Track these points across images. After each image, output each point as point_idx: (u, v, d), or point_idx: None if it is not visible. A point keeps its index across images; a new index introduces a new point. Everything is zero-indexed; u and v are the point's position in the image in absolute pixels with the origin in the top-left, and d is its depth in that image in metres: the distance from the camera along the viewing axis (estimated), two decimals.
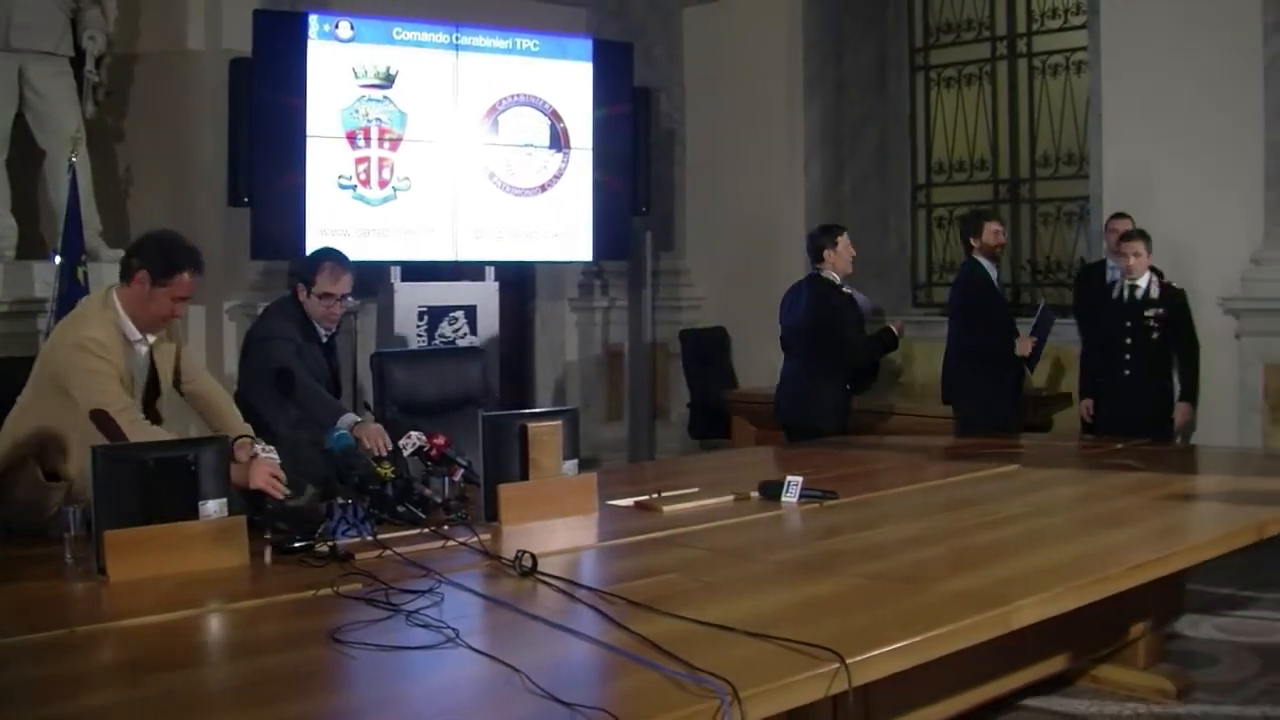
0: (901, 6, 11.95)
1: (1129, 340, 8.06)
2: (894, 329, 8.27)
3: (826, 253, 8.17)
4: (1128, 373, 8.08)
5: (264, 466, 4.73)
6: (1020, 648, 4.74)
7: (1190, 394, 8.29)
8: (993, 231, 8.36)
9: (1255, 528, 5.21)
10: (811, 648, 3.21)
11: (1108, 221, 8.98)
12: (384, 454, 5.32)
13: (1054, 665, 5.44)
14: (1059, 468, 6.59)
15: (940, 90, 11.86)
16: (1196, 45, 9.07)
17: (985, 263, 8.34)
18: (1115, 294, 8.18)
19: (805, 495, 5.37)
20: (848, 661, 3.16)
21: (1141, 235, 8.09)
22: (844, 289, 8.19)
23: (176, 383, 5.28)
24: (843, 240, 8.24)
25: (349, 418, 5.70)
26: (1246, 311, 8.57)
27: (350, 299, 6.38)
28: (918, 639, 3.47)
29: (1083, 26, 10.32)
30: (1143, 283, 8.09)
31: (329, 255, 6.31)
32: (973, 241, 8.40)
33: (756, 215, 11.61)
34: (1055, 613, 4.08)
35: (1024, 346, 8.21)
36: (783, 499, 5.36)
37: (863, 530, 4.96)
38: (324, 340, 6.27)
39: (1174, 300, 8.19)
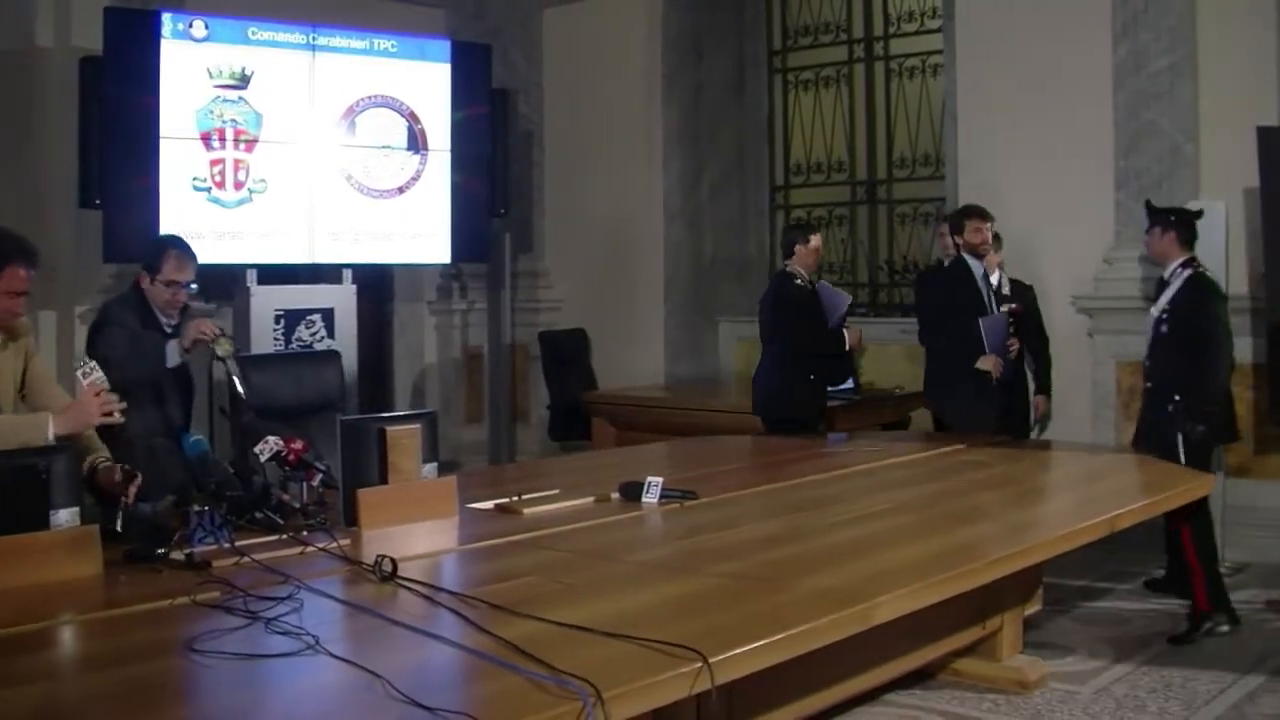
0: (759, 9, 12.02)
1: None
2: (847, 335, 8.38)
3: (798, 248, 8.32)
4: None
5: (90, 394, 4.65)
6: (881, 643, 4.79)
7: (1046, 386, 8.62)
8: (974, 229, 8.18)
9: (1107, 522, 5.33)
10: (673, 647, 3.22)
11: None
12: (215, 336, 5.61)
13: (914, 660, 5.51)
14: (916, 466, 6.67)
15: (798, 92, 11.95)
16: (1049, 49, 9.23)
17: (970, 260, 8.18)
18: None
19: (665, 495, 5.38)
20: (710, 660, 3.18)
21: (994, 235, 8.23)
22: (805, 283, 8.28)
23: (22, 393, 5.12)
24: (815, 239, 8.40)
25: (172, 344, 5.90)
26: (1099, 310, 8.73)
27: (209, 304, 6.33)
28: (779, 637, 3.50)
29: (938, 30, 10.46)
30: (995, 279, 8.20)
31: (174, 243, 6.30)
32: (956, 238, 8.27)
33: (615, 217, 11.63)
34: (914, 608, 4.13)
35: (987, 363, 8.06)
36: (643, 500, 5.37)
37: (723, 530, 4.98)
38: (167, 330, 6.18)
39: (1025, 296, 8.38)
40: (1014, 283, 8.36)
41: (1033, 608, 6.39)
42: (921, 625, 4.95)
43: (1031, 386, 8.64)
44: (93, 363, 4.82)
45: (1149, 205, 7.66)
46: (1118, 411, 8.66)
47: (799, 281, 8.27)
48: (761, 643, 3.44)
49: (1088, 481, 6.39)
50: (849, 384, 9.12)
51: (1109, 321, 8.65)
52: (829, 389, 8.58)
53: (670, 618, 3.65)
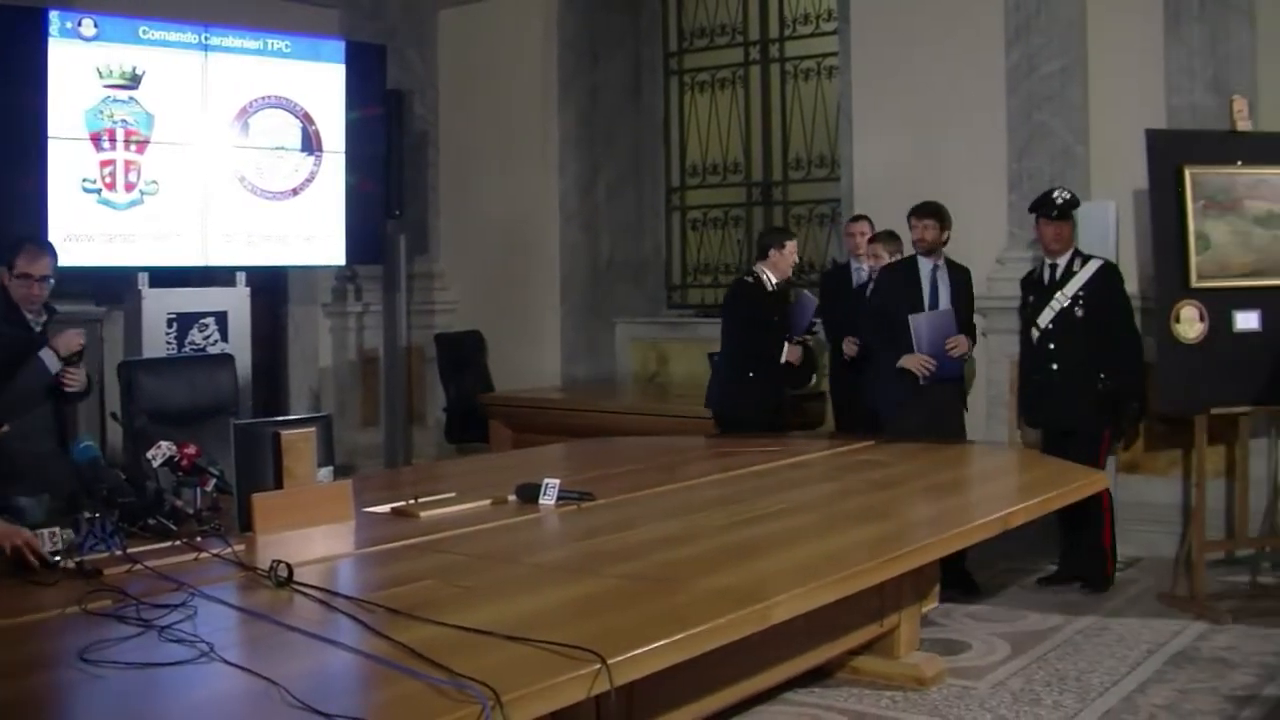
0: (656, 12, 12.05)
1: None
2: (808, 342, 8.40)
3: (772, 252, 8.28)
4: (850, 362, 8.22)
5: None
6: (779, 642, 4.82)
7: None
8: (919, 227, 8.08)
9: (1002, 519, 5.39)
10: (572, 649, 3.22)
11: (846, 225, 9.18)
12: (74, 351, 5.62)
13: (813, 658, 5.54)
14: (814, 465, 6.71)
15: (694, 94, 11.98)
16: (943, 52, 9.32)
17: (920, 257, 8.10)
18: (870, 293, 8.31)
19: (563, 497, 5.38)
20: (609, 662, 3.17)
21: (886, 237, 8.28)
22: (771, 287, 8.24)
23: None
24: (790, 245, 8.37)
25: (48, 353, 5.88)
26: (992, 310, 8.80)
27: (99, 307, 6.26)
28: (678, 637, 3.50)
29: (834, 33, 10.52)
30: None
31: (30, 236, 6.26)
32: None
33: (511, 218, 11.60)
34: (812, 607, 4.16)
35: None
36: (540, 501, 5.36)
37: (621, 531, 4.98)
38: (35, 329, 6.11)
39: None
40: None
41: (929, 605, 6.45)
42: (819, 624, 4.98)
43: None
44: None
45: (1072, 195, 7.79)
46: (1012, 410, 8.74)
47: (751, 281, 8.24)
48: (660, 643, 3.44)
49: (983, 480, 6.47)
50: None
51: (1002, 321, 8.73)
52: (788, 392, 8.53)
53: (568, 620, 3.65)
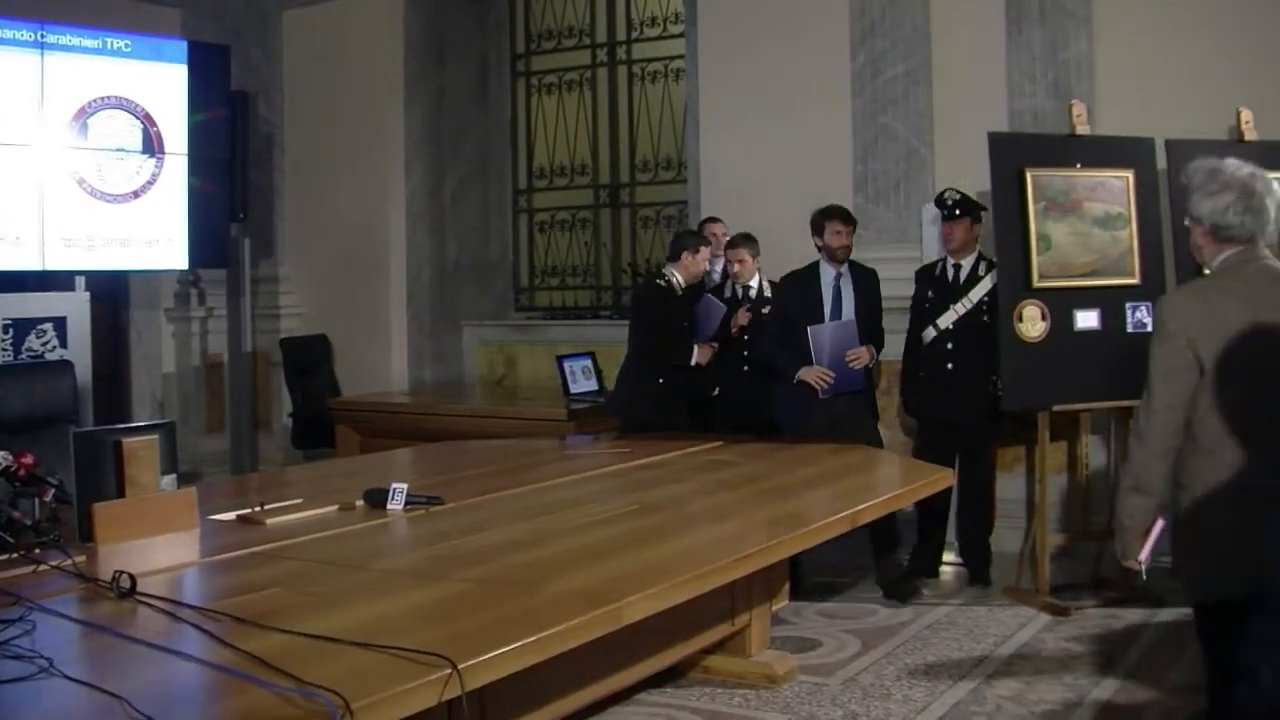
0: (503, 13, 12.01)
1: (747, 339, 8.20)
2: (697, 350, 8.14)
3: (685, 255, 8.13)
4: (746, 369, 8.22)
5: None
6: (632, 643, 4.83)
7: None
8: (834, 232, 7.94)
9: (849, 517, 5.44)
10: (423, 655, 3.19)
11: (700, 225, 9.21)
12: None
13: (666, 659, 5.56)
14: (664, 466, 6.71)
15: (541, 96, 11.97)
16: (789, 55, 9.42)
17: (824, 264, 8.00)
18: (728, 295, 8.29)
19: (411, 502, 5.33)
20: (460, 666, 3.15)
21: (746, 240, 8.27)
22: (677, 289, 8.12)
23: None
24: (704, 250, 8.21)
25: None
26: None
27: None
28: (530, 640, 3.49)
29: (681, 35, 10.58)
30: (754, 283, 8.27)
31: None
32: (816, 240, 8.03)
33: (357, 221, 11.50)
34: (664, 607, 4.16)
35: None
36: (388, 507, 5.30)
37: (471, 534, 4.95)
38: None
39: (867, 281, 8.34)
40: (774, 285, 8.29)
41: (780, 603, 6.50)
42: (671, 624, 5.00)
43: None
44: None
45: (963, 196, 7.86)
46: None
47: (662, 284, 8.16)
48: (512, 646, 3.42)
49: (832, 478, 6.51)
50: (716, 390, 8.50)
51: None
52: (692, 396, 8.30)
53: (419, 625, 3.61)
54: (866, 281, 8.08)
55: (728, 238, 8.51)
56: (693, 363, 8.06)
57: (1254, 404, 3.85)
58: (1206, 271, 4.23)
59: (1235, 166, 4.04)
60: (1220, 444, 3.85)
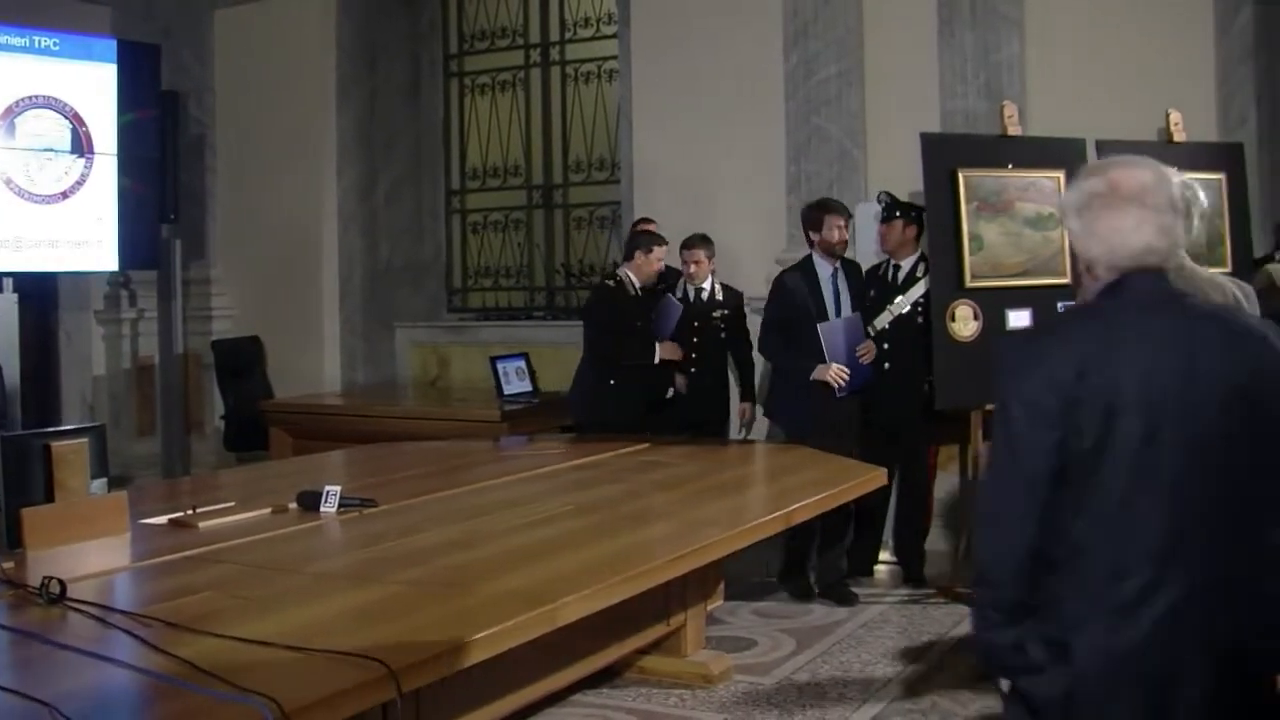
0: (436, 14, 11.96)
1: (696, 341, 8.18)
2: (659, 348, 8.08)
3: (638, 254, 8.08)
4: (693, 370, 8.21)
5: None
6: (567, 644, 4.82)
7: (752, 393, 8.43)
8: (834, 226, 7.72)
9: (784, 517, 5.46)
10: (357, 658, 3.18)
11: (633, 227, 9.21)
12: None
13: (601, 659, 5.56)
14: (597, 467, 6.71)
15: (474, 97, 11.93)
16: (722, 56, 9.44)
17: (819, 260, 7.79)
18: (679, 295, 8.25)
19: (345, 504, 5.32)
20: (395, 669, 3.14)
21: (703, 241, 8.22)
22: (631, 290, 8.08)
23: None
24: (658, 251, 8.11)
25: None
26: None
27: None
28: (465, 641, 3.48)
29: (614, 36, 10.57)
30: (707, 285, 8.24)
31: None
32: (811, 235, 7.82)
33: (289, 222, 11.42)
34: (599, 607, 4.17)
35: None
36: (322, 509, 5.29)
37: (405, 536, 4.93)
38: None
39: (734, 301, 8.37)
40: (725, 287, 8.30)
41: (715, 603, 6.51)
42: (606, 624, 4.99)
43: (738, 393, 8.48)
44: None
45: (891, 198, 7.89)
46: None
47: (613, 284, 8.14)
48: (447, 648, 3.42)
49: (766, 478, 6.54)
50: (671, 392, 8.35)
51: None
52: (648, 396, 8.18)
53: (354, 628, 3.60)
54: (856, 275, 7.97)
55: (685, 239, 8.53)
56: (655, 360, 8.01)
57: None
58: None
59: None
60: None
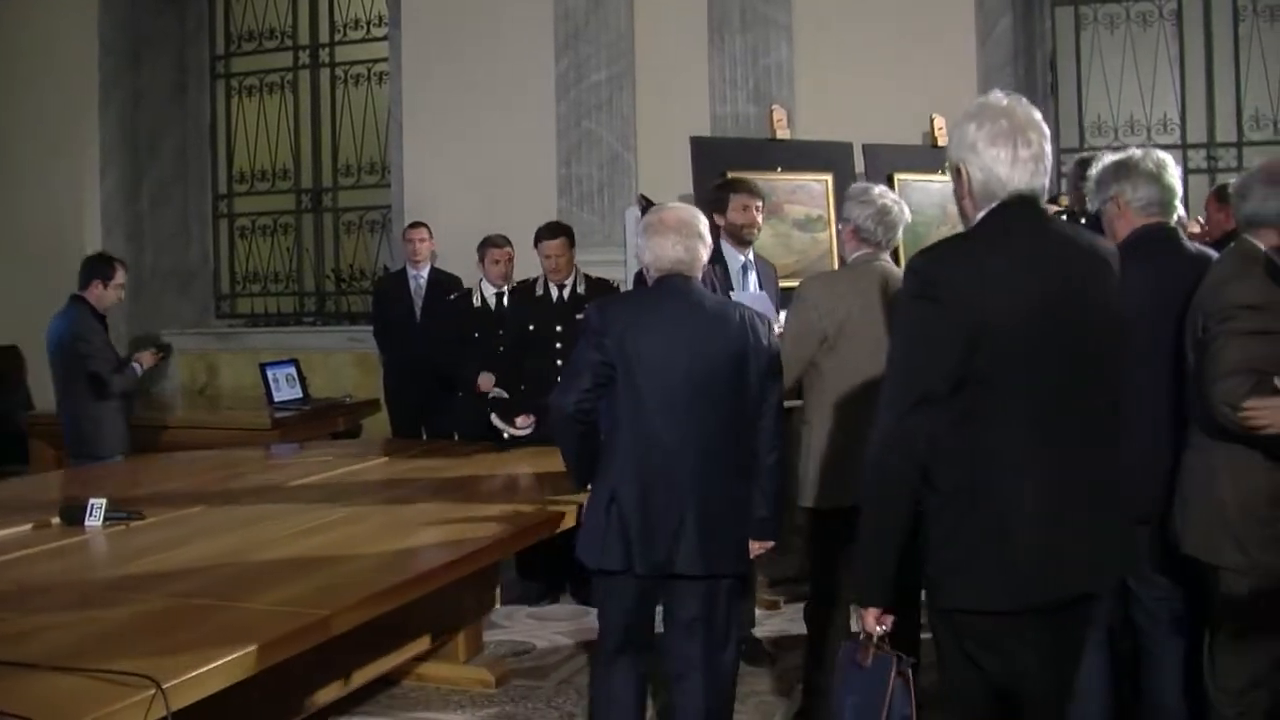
0: (202, 14, 11.74)
1: (559, 344, 7.87)
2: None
3: (483, 265, 7.76)
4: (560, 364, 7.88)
5: None
6: (345, 654, 4.76)
7: None
8: (740, 207, 6.53)
9: (556, 519, 5.45)
10: (125, 675, 3.10)
11: (405, 231, 9.15)
12: None
13: (379, 668, 5.48)
14: (370, 473, 6.65)
15: (242, 99, 11.74)
16: (494, 59, 9.45)
17: (727, 247, 6.56)
18: (539, 293, 7.91)
19: (110, 517, 5.18)
20: (164, 686, 3.07)
21: (562, 231, 7.76)
22: (481, 302, 7.78)
23: None
24: (493, 253, 7.73)
25: None
26: None
27: None
28: (237, 655, 3.42)
29: (385, 38, 10.50)
30: (569, 281, 7.94)
31: None
32: (717, 218, 6.40)
33: (50, 227, 11.10)
34: (373, 616, 4.13)
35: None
36: (86, 523, 5.14)
37: (174, 548, 4.82)
38: None
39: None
40: (592, 281, 7.74)
41: (492, 608, 6.49)
42: (383, 632, 4.94)
43: None
44: None
45: (650, 201, 7.80)
46: None
47: (454, 297, 7.99)
48: (218, 663, 3.35)
49: (544, 480, 6.52)
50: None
51: None
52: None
53: (121, 645, 3.49)
54: (772, 277, 6.86)
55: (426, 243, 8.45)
56: (477, 391, 7.58)
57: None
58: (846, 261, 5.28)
59: (882, 191, 5.17)
60: None
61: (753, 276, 6.63)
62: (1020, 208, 3.19)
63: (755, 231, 6.59)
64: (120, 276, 7.91)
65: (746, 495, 4.46)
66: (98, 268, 7.87)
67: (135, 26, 11.34)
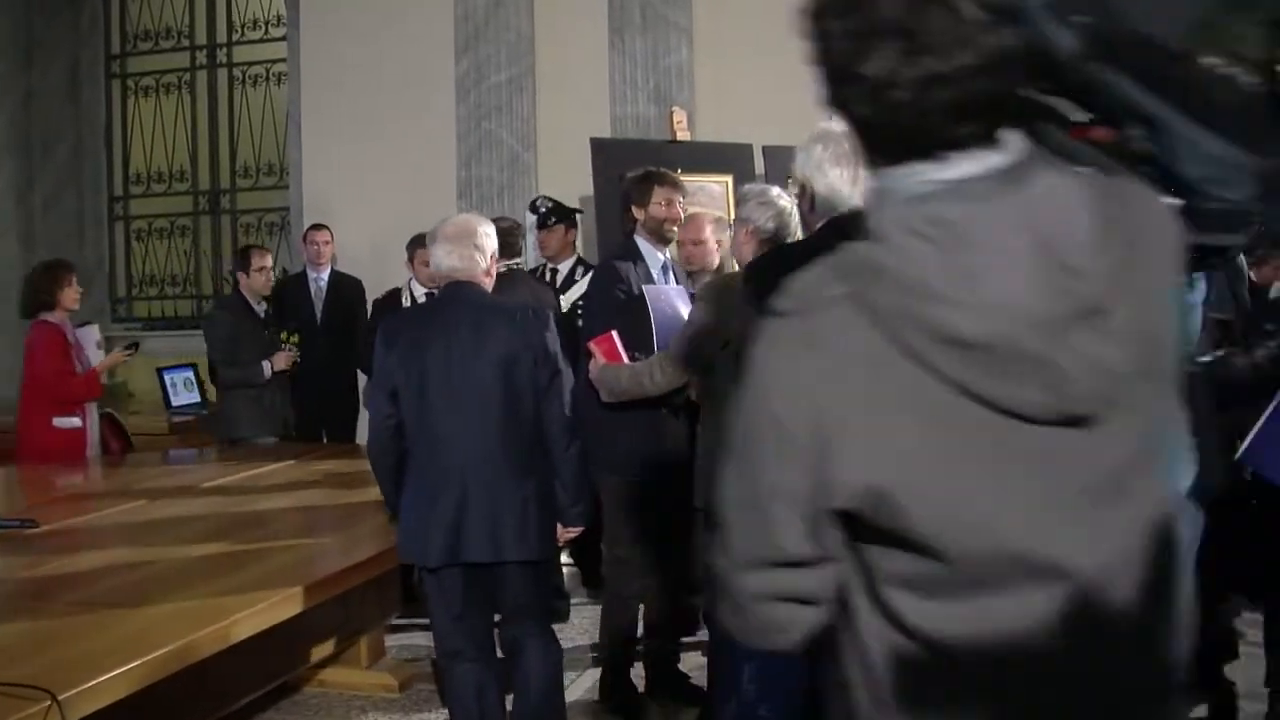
0: (98, 12, 11.61)
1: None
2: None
3: (418, 251, 7.56)
4: None
5: None
6: (244, 660, 4.71)
7: None
8: (661, 201, 5.89)
9: None
10: (20, 688, 3.06)
11: (306, 233, 9.09)
12: None
13: (280, 674, 5.44)
14: (272, 476, 6.60)
15: (138, 99, 11.62)
16: (393, 60, 9.40)
17: (645, 244, 5.94)
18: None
19: (3, 525, 5.11)
20: (60, 697, 3.04)
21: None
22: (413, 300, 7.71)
23: None
24: (422, 254, 7.21)
25: None
26: None
27: None
28: (136, 664, 3.39)
29: (283, 38, 10.43)
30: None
31: None
32: (635, 212, 5.99)
33: None
34: (273, 622, 4.11)
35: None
36: None
37: (70, 556, 4.76)
38: None
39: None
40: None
41: (394, 612, 6.45)
42: (284, 639, 4.89)
43: None
44: None
45: (555, 203, 7.79)
46: None
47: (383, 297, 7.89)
48: (117, 672, 3.32)
49: None
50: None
51: None
52: None
53: (16, 656, 3.44)
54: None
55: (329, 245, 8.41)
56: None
57: None
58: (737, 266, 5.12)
59: (779, 192, 4.99)
60: None
61: (672, 277, 6.00)
62: (855, 221, 3.28)
63: (676, 229, 5.93)
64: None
65: (538, 488, 4.63)
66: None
67: (27, 23, 11.21)
